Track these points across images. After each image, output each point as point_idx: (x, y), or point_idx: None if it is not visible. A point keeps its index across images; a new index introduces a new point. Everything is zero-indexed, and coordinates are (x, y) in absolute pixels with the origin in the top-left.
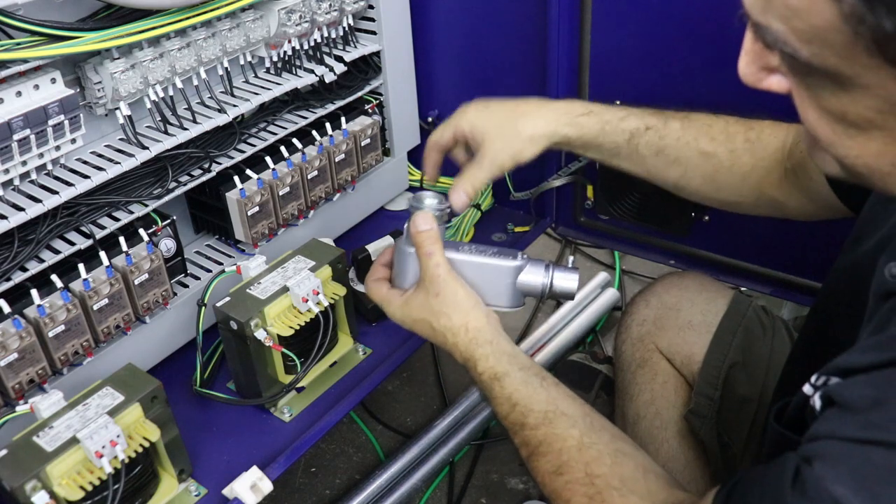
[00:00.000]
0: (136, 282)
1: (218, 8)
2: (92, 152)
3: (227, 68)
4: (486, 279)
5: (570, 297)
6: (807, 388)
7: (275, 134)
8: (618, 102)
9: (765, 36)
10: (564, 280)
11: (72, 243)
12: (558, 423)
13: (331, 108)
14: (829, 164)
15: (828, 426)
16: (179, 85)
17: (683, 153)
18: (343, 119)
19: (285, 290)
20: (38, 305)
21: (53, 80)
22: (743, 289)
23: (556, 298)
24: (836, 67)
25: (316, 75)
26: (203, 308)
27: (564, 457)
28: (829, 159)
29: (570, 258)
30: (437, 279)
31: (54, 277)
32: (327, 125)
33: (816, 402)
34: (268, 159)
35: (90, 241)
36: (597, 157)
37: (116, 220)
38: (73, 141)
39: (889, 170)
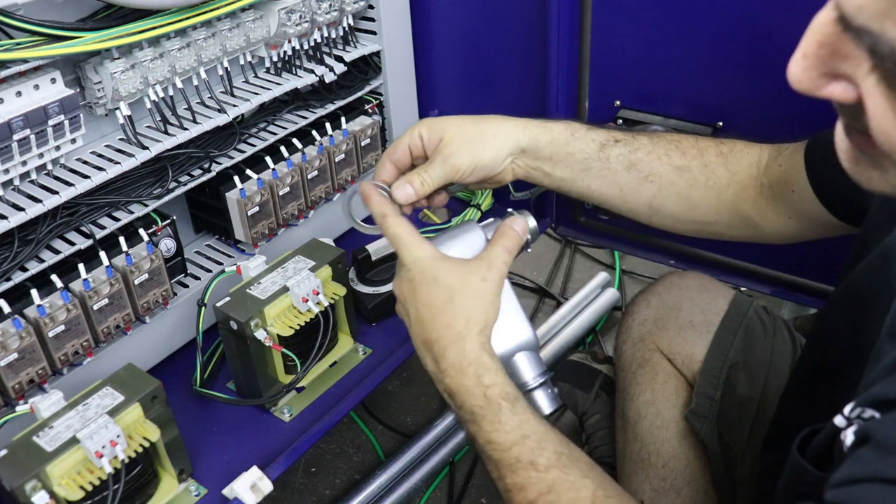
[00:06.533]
0: (136, 282)
1: (218, 8)
2: (92, 152)
3: (227, 68)
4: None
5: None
6: (839, 420)
7: (275, 134)
8: (617, 103)
9: (875, 45)
10: (542, 398)
11: (72, 243)
12: (572, 470)
13: (331, 108)
14: (877, 180)
15: (867, 468)
16: (179, 85)
17: (656, 168)
18: (343, 119)
19: (285, 290)
20: (38, 305)
21: (53, 80)
22: (743, 289)
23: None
24: None
25: (316, 75)
26: (203, 308)
27: None
28: (876, 176)
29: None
30: (499, 279)
31: (54, 277)
32: (327, 125)
33: (849, 436)
34: (268, 159)
35: (90, 241)
36: (564, 174)
37: (116, 220)
38: (73, 141)
39: None
